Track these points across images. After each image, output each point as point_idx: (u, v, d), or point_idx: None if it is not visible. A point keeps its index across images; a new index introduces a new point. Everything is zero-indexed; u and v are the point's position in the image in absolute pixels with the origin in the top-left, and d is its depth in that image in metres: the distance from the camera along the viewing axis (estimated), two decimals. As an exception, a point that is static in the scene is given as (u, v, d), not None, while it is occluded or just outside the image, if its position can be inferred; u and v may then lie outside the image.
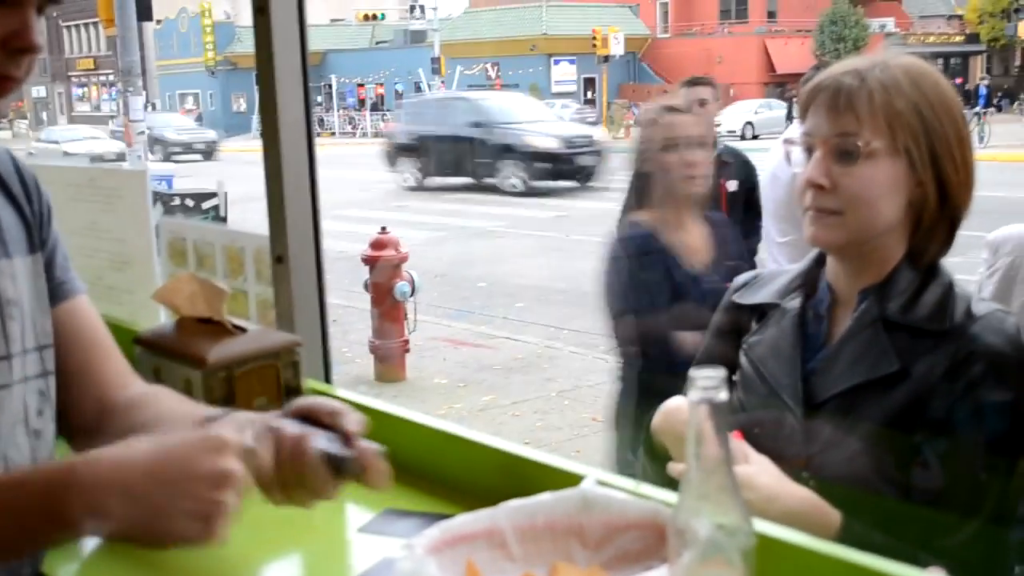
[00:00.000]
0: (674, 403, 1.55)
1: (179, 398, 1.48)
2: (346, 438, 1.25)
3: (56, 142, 33.75)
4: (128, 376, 1.54)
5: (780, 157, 4.54)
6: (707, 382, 0.93)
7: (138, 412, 1.41)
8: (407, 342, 7.89)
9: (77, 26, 65.42)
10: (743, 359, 1.68)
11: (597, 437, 6.37)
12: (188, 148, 35.88)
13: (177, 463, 1.05)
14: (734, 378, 1.68)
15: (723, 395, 0.93)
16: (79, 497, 1.03)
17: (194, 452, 1.06)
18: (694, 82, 5.35)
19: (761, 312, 1.69)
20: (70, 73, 68.79)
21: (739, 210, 5.03)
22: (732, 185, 5.22)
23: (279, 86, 1.89)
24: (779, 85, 44.34)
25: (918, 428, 1.47)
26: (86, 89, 69.47)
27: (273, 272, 1.98)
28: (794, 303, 1.65)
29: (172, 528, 1.04)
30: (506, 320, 9.81)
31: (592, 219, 16.53)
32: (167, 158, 32.48)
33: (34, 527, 1.04)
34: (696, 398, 0.93)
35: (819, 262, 1.68)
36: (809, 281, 1.67)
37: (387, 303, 7.71)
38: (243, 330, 1.73)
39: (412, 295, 7.74)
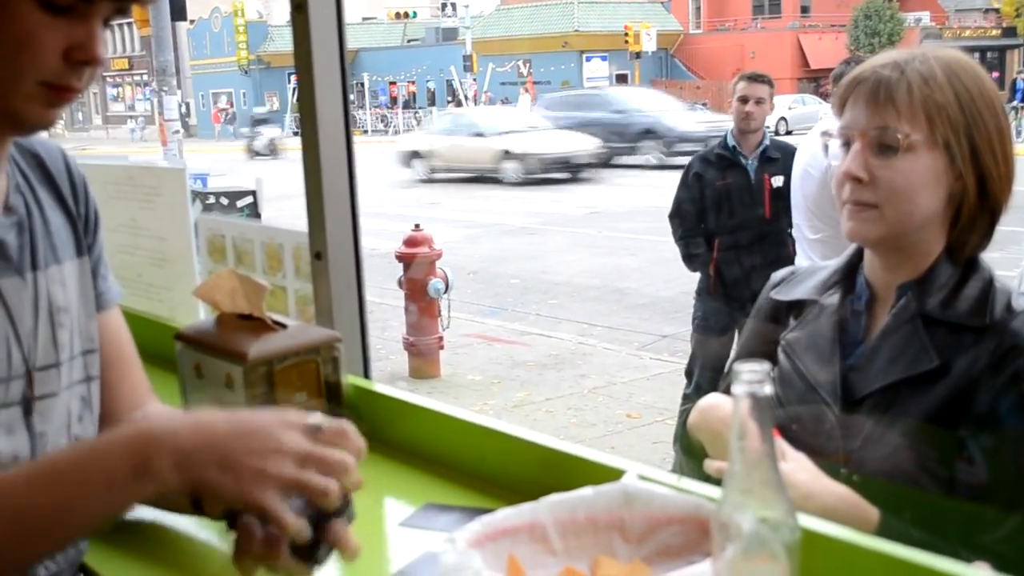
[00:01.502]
0: (711, 400, 1.55)
1: None
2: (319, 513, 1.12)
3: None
4: (143, 395, 1.54)
5: (812, 152, 4.51)
6: (751, 376, 0.93)
7: None
8: (441, 339, 7.90)
9: (111, 26, 65.71)
10: (781, 355, 1.68)
11: (632, 433, 6.36)
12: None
13: (261, 430, 1.08)
14: (772, 375, 1.67)
15: (767, 389, 0.93)
16: (166, 452, 1.05)
17: (278, 424, 1.09)
18: (753, 78, 5.32)
19: (799, 308, 1.69)
20: (104, 73, 69.21)
21: (782, 206, 5.01)
22: (777, 181, 5.20)
23: (317, 83, 1.90)
24: (813, 80, 44.11)
25: (961, 423, 1.46)
26: (120, 89, 70.00)
27: (312, 268, 1.98)
28: (832, 299, 1.64)
29: (252, 488, 1.05)
30: (539, 317, 9.81)
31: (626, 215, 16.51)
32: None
33: (124, 485, 1.05)
34: (740, 391, 0.93)
35: (857, 257, 1.67)
36: (847, 277, 1.66)
37: (421, 300, 7.73)
38: (283, 326, 1.74)
39: (446, 292, 7.76)
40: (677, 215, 5.58)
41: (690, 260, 5.61)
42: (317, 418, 1.13)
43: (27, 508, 1.06)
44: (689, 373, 5.67)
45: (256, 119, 39.00)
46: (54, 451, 1.21)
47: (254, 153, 34.49)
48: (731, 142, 5.39)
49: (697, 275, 5.67)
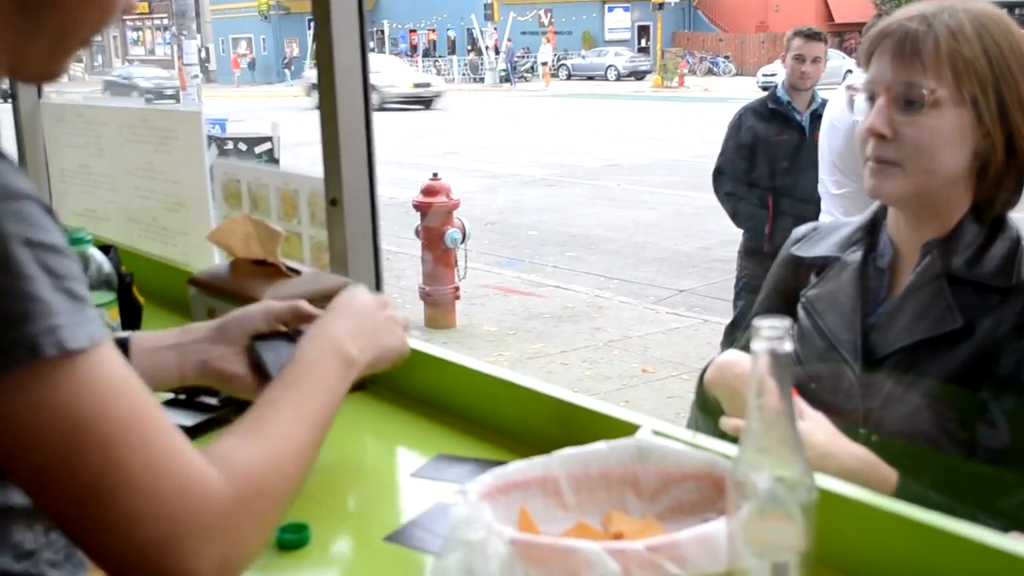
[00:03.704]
0: (728, 356, 1.53)
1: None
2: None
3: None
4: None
5: (838, 106, 4.45)
6: (771, 332, 0.91)
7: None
8: (457, 289, 7.90)
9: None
10: (801, 312, 1.65)
11: (647, 387, 6.36)
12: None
13: (367, 311, 1.39)
14: (791, 332, 1.65)
15: (787, 346, 0.91)
16: (345, 344, 1.28)
17: (373, 303, 1.42)
18: (810, 35, 5.15)
19: (821, 265, 1.66)
20: (124, 17, 69.10)
21: None
22: None
23: (335, 29, 1.88)
24: (837, 35, 43.60)
25: (983, 385, 1.43)
26: (140, 33, 69.82)
27: (327, 215, 1.97)
28: (855, 256, 1.61)
29: (390, 342, 1.40)
30: (556, 269, 9.80)
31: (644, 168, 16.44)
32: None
33: (343, 377, 1.26)
34: (760, 348, 0.91)
35: (881, 215, 1.64)
36: (870, 234, 1.63)
37: (438, 250, 7.72)
38: (297, 272, 1.73)
39: (463, 242, 7.74)
40: (726, 171, 5.41)
41: (741, 217, 5.41)
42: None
43: (289, 432, 1.10)
44: (731, 337, 5.45)
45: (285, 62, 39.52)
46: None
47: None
48: (784, 96, 5.23)
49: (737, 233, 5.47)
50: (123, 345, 1.42)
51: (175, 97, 33.90)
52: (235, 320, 1.48)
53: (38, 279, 0.85)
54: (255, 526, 0.97)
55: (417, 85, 33.11)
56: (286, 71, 36.02)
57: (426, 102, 32.04)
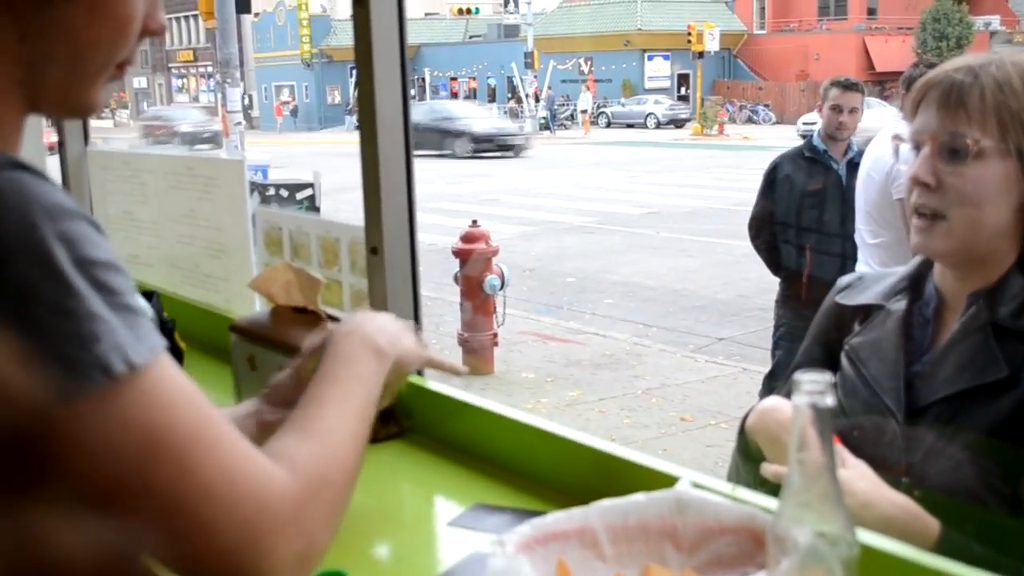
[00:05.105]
0: (770, 403, 1.52)
1: None
2: None
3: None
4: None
5: (875, 156, 4.43)
6: (813, 386, 0.90)
7: None
8: (496, 335, 7.90)
9: (177, 18, 66.71)
10: (844, 361, 1.64)
11: (685, 436, 6.32)
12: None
13: (385, 319, 1.39)
14: (834, 382, 1.63)
15: (829, 400, 0.90)
16: (375, 337, 1.30)
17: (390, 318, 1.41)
18: (848, 86, 5.10)
19: (865, 313, 1.65)
20: (170, 64, 70.31)
21: None
22: None
23: (377, 77, 1.89)
24: (878, 84, 43.57)
25: (1028, 439, 1.42)
26: (185, 80, 70.93)
27: (368, 263, 1.98)
28: (900, 305, 1.60)
29: (410, 344, 1.39)
30: (595, 316, 9.78)
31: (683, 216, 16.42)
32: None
33: (377, 371, 1.27)
34: (802, 402, 0.90)
35: (927, 265, 1.63)
36: (916, 283, 1.62)
37: (477, 297, 7.73)
38: (337, 320, 1.73)
39: (502, 288, 7.75)
40: (762, 219, 5.38)
41: (778, 267, 5.38)
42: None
43: (339, 425, 1.13)
44: (770, 386, 5.36)
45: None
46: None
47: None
48: (820, 145, 5.19)
49: (773, 281, 5.43)
50: None
51: (214, 141, 34.51)
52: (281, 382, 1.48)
53: (96, 298, 0.85)
54: (324, 518, 1.01)
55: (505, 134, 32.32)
56: (348, 116, 36.94)
57: (514, 149, 31.33)
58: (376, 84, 1.90)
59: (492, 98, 53.54)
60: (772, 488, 1.28)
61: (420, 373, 1.80)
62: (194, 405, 0.92)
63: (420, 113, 30.69)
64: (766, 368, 5.56)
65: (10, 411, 0.54)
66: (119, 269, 0.89)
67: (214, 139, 35.45)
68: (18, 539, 0.53)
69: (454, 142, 30.47)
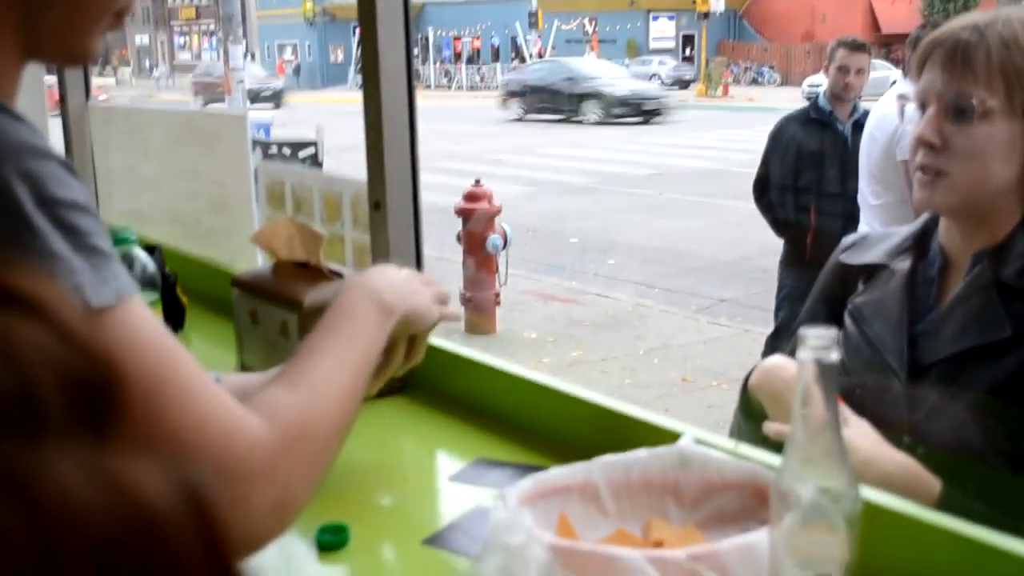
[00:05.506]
0: (774, 361, 1.51)
1: None
2: None
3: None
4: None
5: (879, 116, 4.41)
6: (818, 341, 0.90)
7: None
8: (498, 295, 7.89)
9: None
10: (847, 320, 1.64)
11: (687, 397, 6.33)
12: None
13: (398, 273, 1.38)
14: (838, 340, 1.63)
15: (834, 355, 0.90)
16: (382, 292, 1.28)
17: (405, 271, 1.40)
18: (855, 47, 5.07)
19: (869, 273, 1.64)
20: (172, 22, 69.84)
21: None
22: None
23: (380, 35, 1.88)
24: (884, 46, 43.25)
25: (1031, 398, 1.41)
26: (187, 38, 70.51)
27: (370, 218, 1.97)
28: (904, 264, 1.59)
29: (421, 301, 1.38)
30: (597, 276, 9.77)
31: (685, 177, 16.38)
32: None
33: (380, 323, 1.26)
34: (806, 357, 0.90)
35: (932, 224, 1.62)
36: (920, 242, 1.61)
37: (479, 256, 7.72)
38: (340, 275, 1.73)
39: (504, 248, 7.74)
40: (767, 180, 5.36)
41: (782, 227, 5.37)
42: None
43: (330, 378, 1.12)
44: (773, 347, 5.40)
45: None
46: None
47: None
48: (826, 106, 5.16)
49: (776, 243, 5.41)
50: None
51: (275, 100, 33.67)
52: None
53: (58, 237, 0.84)
54: (303, 471, 0.99)
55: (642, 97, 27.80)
56: (357, 76, 36.71)
57: (648, 114, 27.39)
58: (379, 42, 1.89)
59: (496, 58, 53.23)
60: (774, 446, 1.28)
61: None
62: (163, 349, 0.91)
63: (542, 72, 29.16)
64: (768, 330, 5.56)
65: None
66: (88, 210, 0.88)
67: (275, 98, 34.49)
68: None
69: (582, 105, 27.37)
